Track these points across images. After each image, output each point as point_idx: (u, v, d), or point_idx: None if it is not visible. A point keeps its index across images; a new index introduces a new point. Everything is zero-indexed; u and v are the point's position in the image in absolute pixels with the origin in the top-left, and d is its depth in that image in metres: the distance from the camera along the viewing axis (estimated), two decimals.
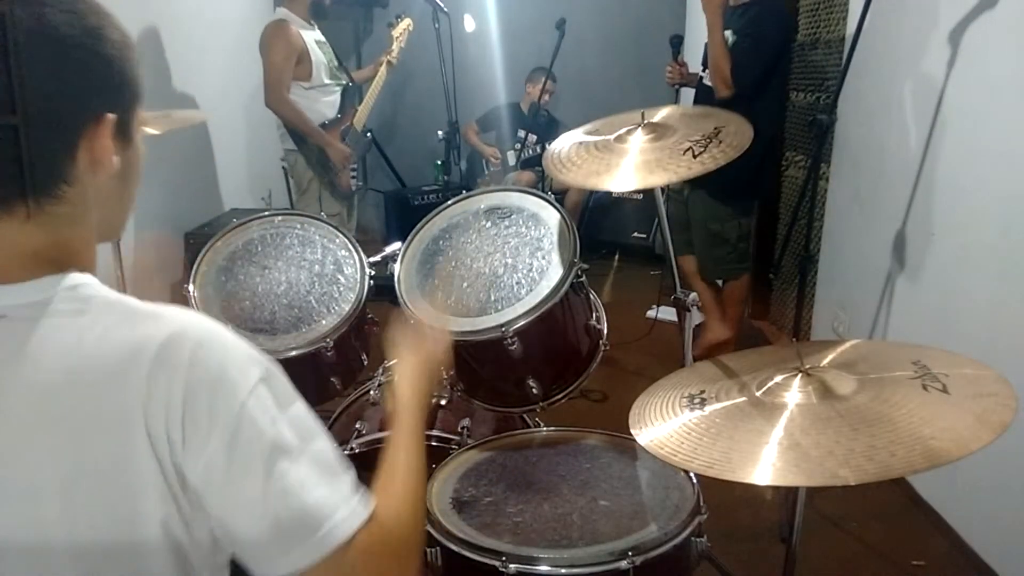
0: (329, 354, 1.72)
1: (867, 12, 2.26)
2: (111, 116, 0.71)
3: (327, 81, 3.48)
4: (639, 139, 1.62)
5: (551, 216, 1.66)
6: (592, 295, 1.70)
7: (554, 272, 1.57)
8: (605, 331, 1.68)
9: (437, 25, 4.44)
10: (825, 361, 1.20)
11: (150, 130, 2.19)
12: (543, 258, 1.60)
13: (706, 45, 3.02)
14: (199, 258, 1.81)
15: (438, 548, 1.31)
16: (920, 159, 2.42)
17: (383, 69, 3.78)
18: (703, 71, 3.12)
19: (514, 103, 5.35)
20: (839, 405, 1.05)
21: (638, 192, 5.18)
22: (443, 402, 1.80)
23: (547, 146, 1.77)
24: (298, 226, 1.90)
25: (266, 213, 1.92)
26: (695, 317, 1.84)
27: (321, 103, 3.46)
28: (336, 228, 1.90)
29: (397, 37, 3.83)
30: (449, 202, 1.77)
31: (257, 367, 0.71)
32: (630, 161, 1.57)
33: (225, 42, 4.05)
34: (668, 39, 3.22)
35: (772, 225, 3.83)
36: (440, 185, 5.11)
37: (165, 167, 3.26)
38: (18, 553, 0.68)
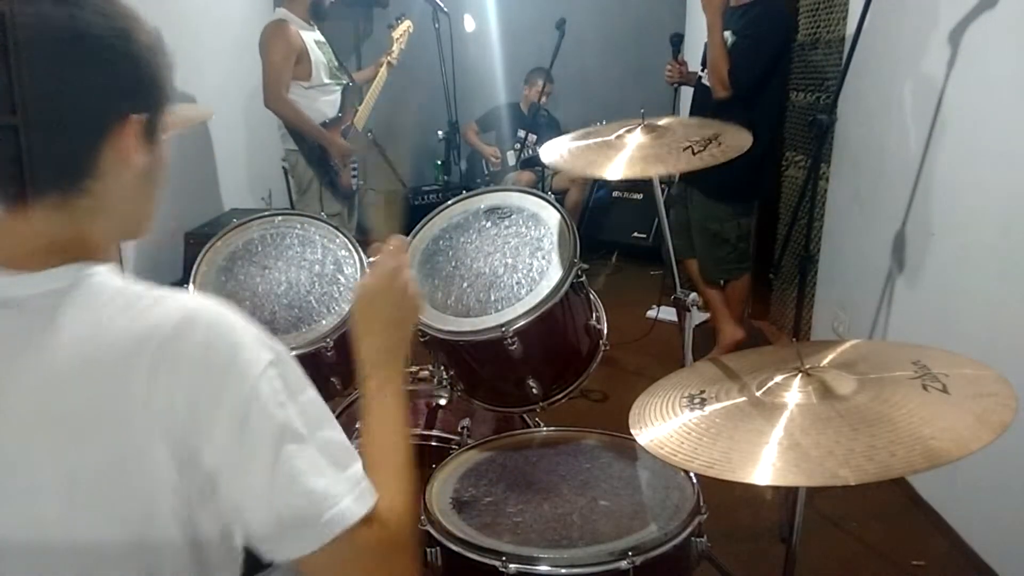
0: (329, 354, 1.72)
1: (867, 12, 2.26)
2: (138, 116, 0.73)
3: (327, 81, 3.48)
4: (638, 137, 1.64)
5: (551, 216, 1.66)
6: (592, 295, 1.70)
7: (554, 272, 1.57)
8: (605, 331, 1.68)
9: (437, 25, 4.43)
10: (825, 361, 1.20)
11: None
12: (543, 258, 1.60)
13: (705, 45, 3.02)
14: (199, 258, 1.81)
15: (438, 548, 1.31)
16: (920, 159, 2.42)
17: (383, 70, 3.78)
18: (702, 71, 3.12)
19: (514, 103, 5.35)
20: (839, 405, 1.05)
21: (638, 192, 5.18)
22: (443, 402, 1.81)
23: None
24: (298, 226, 1.90)
25: (266, 213, 1.92)
26: (695, 317, 1.84)
27: (321, 102, 3.46)
28: (336, 228, 1.90)
29: (397, 38, 3.84)
30: (449, 202, 1.77)
31: (268, 351, 0.72)
32: (630, 154, 1.58)
33: (225, 42, 4.04)
34: (668, 38, 3.22)
35: (772, 225, 3.83)
36: (440, 185, 5.11)
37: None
38: (24, 552, 0.68)
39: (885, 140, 2.70)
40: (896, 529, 2.32)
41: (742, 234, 3.16)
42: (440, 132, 4.88)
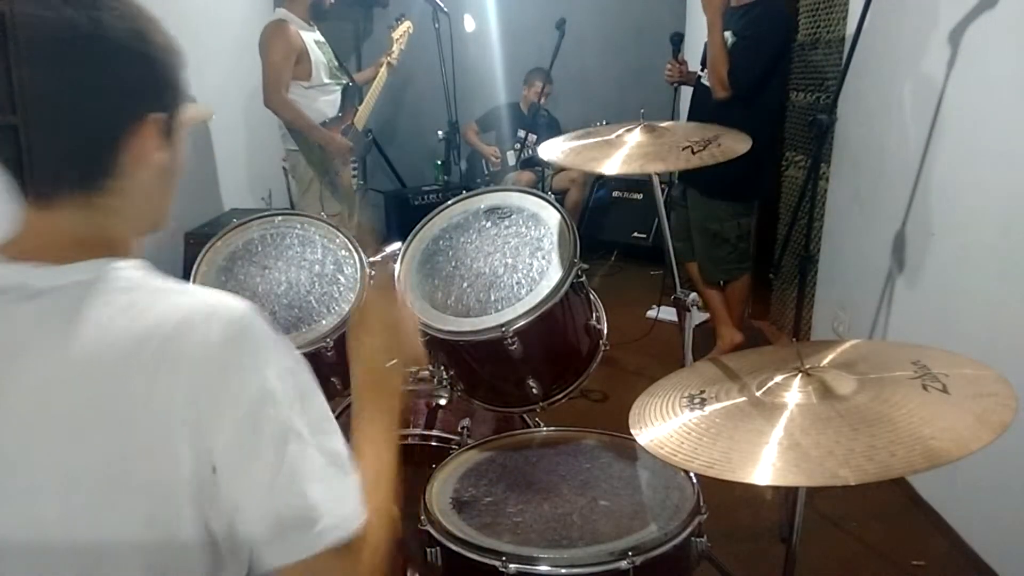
0: (329, 354, 1.72)
1: (867, 12, 2.26)
2: (156, 116, 0.74)
3: (327, 80, 3.48)
4: (637, 136, 1.64)
5: (551, 216, 1.66)
6: (592, 295, 1.70)
7: (554, 272, 1.56)
8: (605, 331, 1.68)
9: (437, 25, 4.44)
10: (825, 361, 1.20)
11: None
12: (543, 258, 1.60)
13: (705, 45, 3.02)
14: (199, 258, 1.81)
15: (438, 548, 1.31)
16: (920, 159, 2.42)
17: (383, 71, 3.78)
18: (702, 71, 3.12)
19: (514, 103, 5.35)
20: (839, 405, 1.05)
21: (638, 192, 5.18)
22: (443, 402, 1.81)
23: None
24: (298, 226, 1.90)
25: (266, 213, 1.92)
26: (695, 317, 1.84)
27: (321, 102, 3.46)
28: (336, 228, 1.90)
29: (397, 39, 3.84)
30: (449, 202, 1.77)
31: (282, 353, 0.72)
32: (628, 151, 1.59)
33: (225, 42, 4.04)
34: (668, 37, 3.22)
35: (772, 225, 3.83)
36: (440, 185, 5.11)
37: None
38: (24, 552, 0.68)
39: (885, 140, 2.70)
40: (896, 529, 2.32)
41: (742, 234, 3.16)
42: (440, 132, 4.88)
